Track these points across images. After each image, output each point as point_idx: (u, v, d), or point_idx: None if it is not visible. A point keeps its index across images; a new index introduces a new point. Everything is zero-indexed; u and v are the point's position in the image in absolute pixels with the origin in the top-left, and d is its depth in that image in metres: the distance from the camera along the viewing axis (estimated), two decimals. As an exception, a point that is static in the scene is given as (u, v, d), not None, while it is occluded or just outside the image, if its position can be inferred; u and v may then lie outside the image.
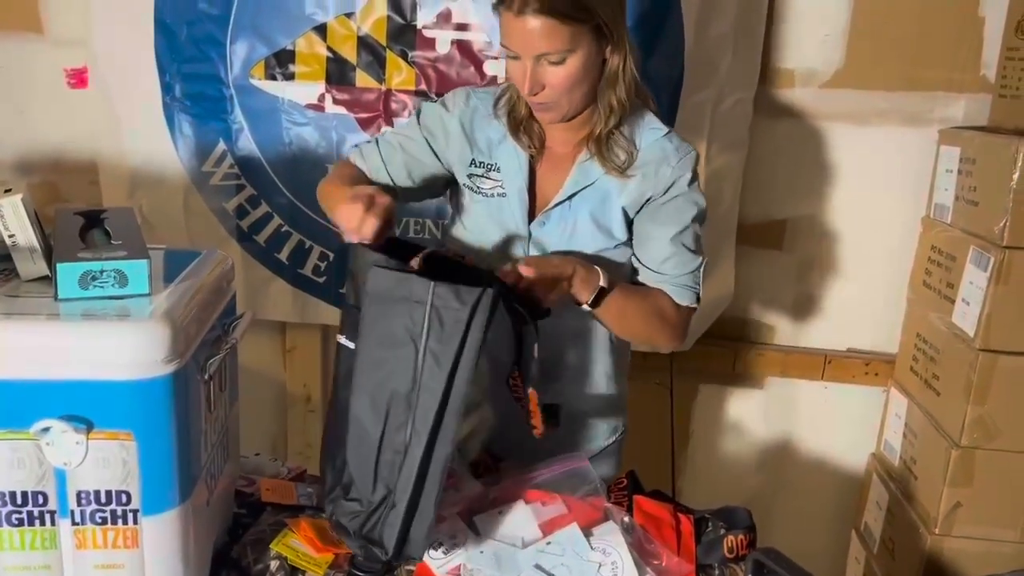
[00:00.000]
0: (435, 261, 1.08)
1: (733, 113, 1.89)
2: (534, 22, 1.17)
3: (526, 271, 1.13)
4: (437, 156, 1.37)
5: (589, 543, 1.10)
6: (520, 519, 1.14)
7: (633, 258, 1.35)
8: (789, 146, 1.98)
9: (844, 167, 2.00)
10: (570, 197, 1.32)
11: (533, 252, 1.34)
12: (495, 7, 1.23)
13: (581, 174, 1.32)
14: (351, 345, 1.08)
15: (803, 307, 2.10)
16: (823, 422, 2.16)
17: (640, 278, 1.35)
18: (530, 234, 1.34)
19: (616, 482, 1.27)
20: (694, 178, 1.33)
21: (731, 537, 1.17)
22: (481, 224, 1.36)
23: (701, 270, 1.35)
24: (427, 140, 1.37)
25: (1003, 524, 1.74)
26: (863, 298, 2.08)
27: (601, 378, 1.45)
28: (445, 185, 1.42)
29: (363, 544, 1.07)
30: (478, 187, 1.36)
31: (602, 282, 1.22)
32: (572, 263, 1.21)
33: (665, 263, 1.32)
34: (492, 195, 1.35)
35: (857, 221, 2.03)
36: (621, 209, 1.32)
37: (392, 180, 1.36)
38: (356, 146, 1.40)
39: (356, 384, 1.04)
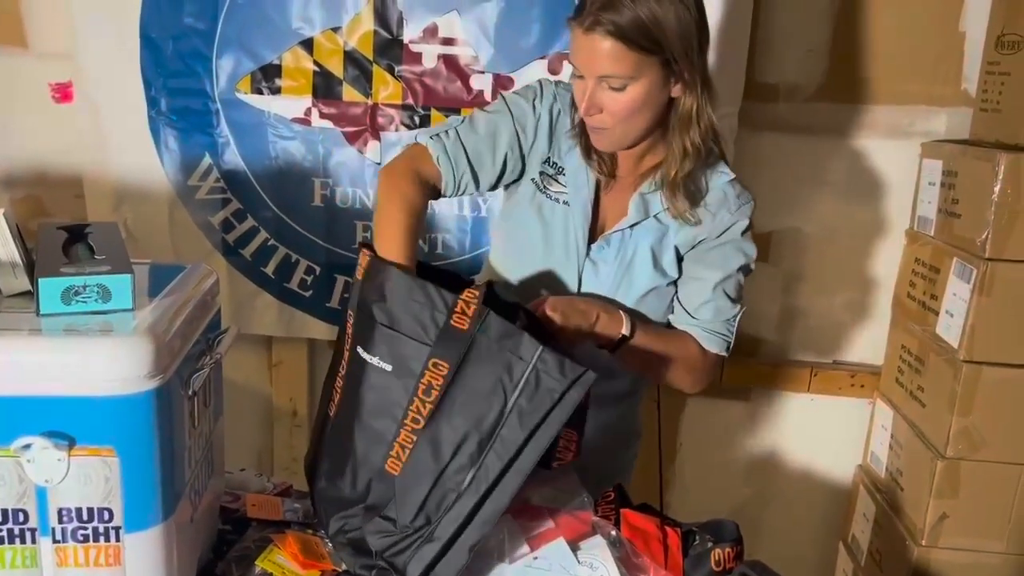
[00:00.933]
0: (487, 296, 1.08)
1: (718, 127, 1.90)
2: (601, 42, 1.15)
3: (553, 314, 1.13)
4: (523, 153, 1.33)
5: (576, 558, 1.10)
6: (507, 534, 1.14)
7: (675, 299, 1.35)
8: (774, 159, 1.99)
9: (828, 180, 2.01)
10: (632, 225, 1.31)
11: (588, 272, 1.32)
12: (569, 20, 1.21)
13: (644, 204, 1.31)
14: (387, 367, 1.06)
15: (789, 319, 2.11)
16: (810, 434, 2.16)
17: (672, 317, 1.35)
18: (589, 252, 1.32)
19: (603, 496, 1.26)
20: (749, 227, 1.32)
21: (718, 550, 1.16)
22: (537, 229, 1.33)
23: (737, 319, 1.34)
24: (519, 138, 1.32)
25: (989, 535, 1.74)
26: (848, 310, 2.09)
27: (629, 406, 1.47)
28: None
29: (379, 566, 1.06)
30: (545, 187, 1.33)
31: (624, 330, 1.22)
32: (596, 309, 1.20)
33: (701, 308, 1.32)
34: (558, 201, 1.32)
35: (842, 233, 2.04)
36: (674, 247, 1.32)
37: (475, 181, 1.32)
38: (433, 136, 1.30)
39: (436, 418, 1.03)
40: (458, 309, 1.04)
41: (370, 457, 1.08)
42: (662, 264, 1.32)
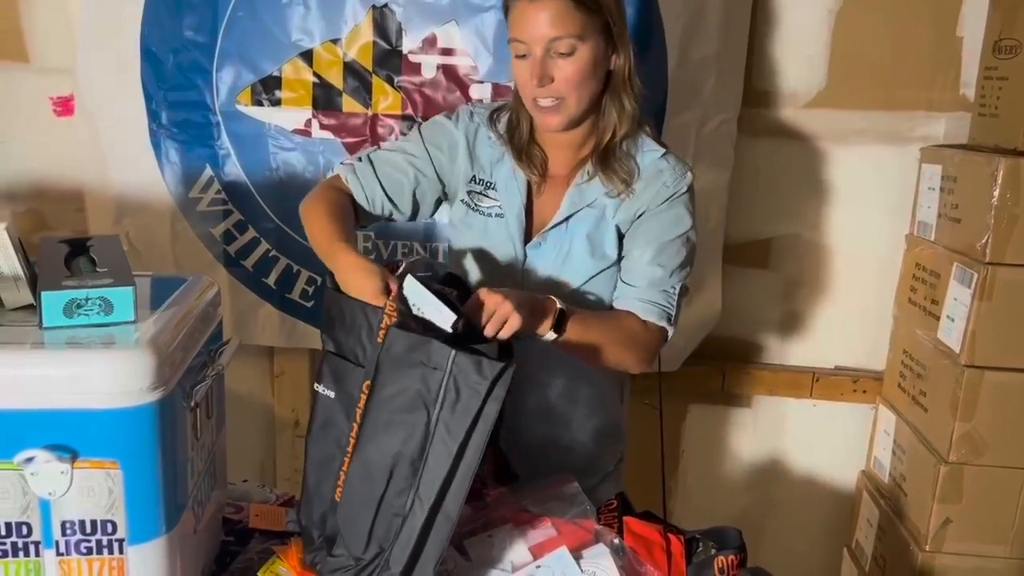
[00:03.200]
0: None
1: (717, 134, 1.90)
2: (548, 5, 1.19)
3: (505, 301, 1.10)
4: (439, 173, 1.36)
5: (579, 566, 1.10)
6: (510, 542, 1.14)
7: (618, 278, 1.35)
8: (773, 166, 2.00)
9: (828, 186, 2.01)
10: (567, 218, 1.32)
11: (527, 274, 1.33)
12: (504, 1, 1.24)
13: (578, 195, 1.32)
14: (331, 394, 1.06)
15: (790, 325, 2.11)
16: (813, 440, 2.16)
17: (614, 295, 1.34)
18: (525, 256, 1.34)
19: (606, 504, 1.27)
20: (687, 195, 1.33)
21: (721, 557, 1.16)
22: (477, 243, 1.36)
23: (676, 290, 1.32)
24: (431, 157, 1.36)
25: (993, 540, 1.74)
26: (850, 316, 2.09)
27: (603, 406, 1.45)
28: (435, 206, 1.41)
29: None
30: (476, 204, 1.36)
31: (558, 304, 1.20)
32: (515, 296, 1.15)
33: (636, 276, 1.31)
34: (491, 214, 1.35)
35: (842, 239, 2.04)
36: (615, 227, 1.32)
37: (391, 201, 1.35)
38: (345, 162, 1.38)
39: (362, 441, 1.03)
40: (383, 325, 1.02)
41: (321, 489, 1.07)
42: (603, 248, 1.32)
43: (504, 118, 1.36)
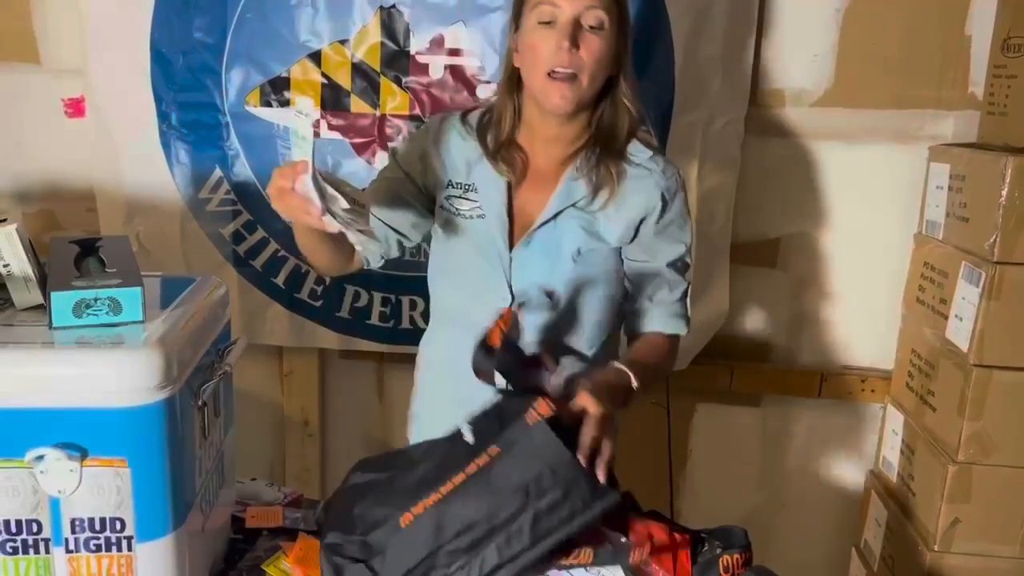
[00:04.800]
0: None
1: (724, 133, 1.90)
2: None
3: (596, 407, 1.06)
4: (419, 187, 1.36)
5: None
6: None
7: (627, 281, 1.36)
8: (781, 165, 1.99)
9: (836, 185, 2.01)
10: (556, 215, 1.30)
11: (516, 274, 1.31)
12: None
13: (566, 193, 1.30)
14: (471, 439, 1.06)
15: (798, 325, 2.10)
16: (821, 439, 2.16)
17: (631, 307, 1.36)
18: (511, 258, 1.31)
19: (613, 503, 1.27)
20: (682, 195, 1.34)
21: (727, 557, 1.16)
22: (461, 248, 1.34)
23: (688, 294, 1.37)
24: (407, 174, 1.36)
25: (1002, 540, 1.73)
26: (858, 315, 2.08)
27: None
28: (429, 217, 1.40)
29: None
30: (456, 209, 1.33)
31: (633, 383, 1.19)
32: (600, 395, 1.10)
33: (657, 292, 1.34)
34: (471, 216, 1.32)
35: (850, 238, 2.04)
36: (609, 227, 1.31)
37: (394, 230, 1.35)
38: None
39: (454, 493, 1.02)
40: (539, 407, 1.02)
41: (402, 500, 1.05)
42: (600, 236, 1.31)
43: (477, 116, 1.35)
